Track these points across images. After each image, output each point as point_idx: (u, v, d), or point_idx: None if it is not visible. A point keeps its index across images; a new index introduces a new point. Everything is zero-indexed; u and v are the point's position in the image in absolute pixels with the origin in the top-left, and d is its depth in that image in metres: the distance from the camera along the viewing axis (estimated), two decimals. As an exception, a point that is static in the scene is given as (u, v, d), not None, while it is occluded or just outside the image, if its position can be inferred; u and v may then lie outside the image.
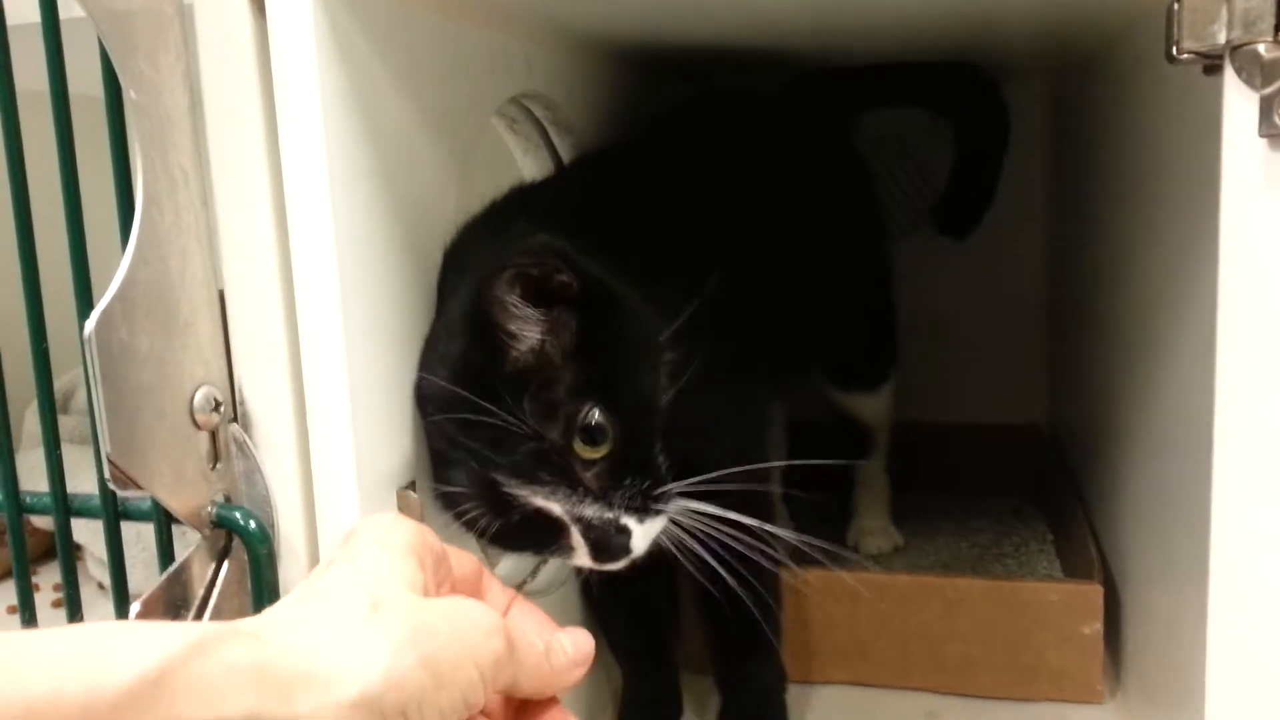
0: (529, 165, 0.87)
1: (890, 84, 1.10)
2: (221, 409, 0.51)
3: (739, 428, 0.71)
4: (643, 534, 0.55)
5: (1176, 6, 0.43)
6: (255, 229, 0.52)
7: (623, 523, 0.54)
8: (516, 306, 0.53)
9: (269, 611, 0.41)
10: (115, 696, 0.32)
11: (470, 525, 0.56)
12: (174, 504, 0.50)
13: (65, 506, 0.55)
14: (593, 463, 0.53)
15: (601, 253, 0.56)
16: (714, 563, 0.57)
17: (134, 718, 0.33)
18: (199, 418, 0.50)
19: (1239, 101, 0.42)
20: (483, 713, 0.45)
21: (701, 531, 0.56)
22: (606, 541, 0.54)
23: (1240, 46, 0.41)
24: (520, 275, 0.52)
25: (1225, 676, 0.46)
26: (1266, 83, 0.40)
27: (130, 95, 0.48)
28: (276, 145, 0.52)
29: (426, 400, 0.57)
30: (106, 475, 0.46)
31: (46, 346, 0.54)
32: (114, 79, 0.49)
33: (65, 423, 0.98)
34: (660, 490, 0.55)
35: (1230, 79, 0.42)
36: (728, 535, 0.56)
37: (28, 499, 0.57)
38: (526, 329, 0.53)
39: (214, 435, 0.51)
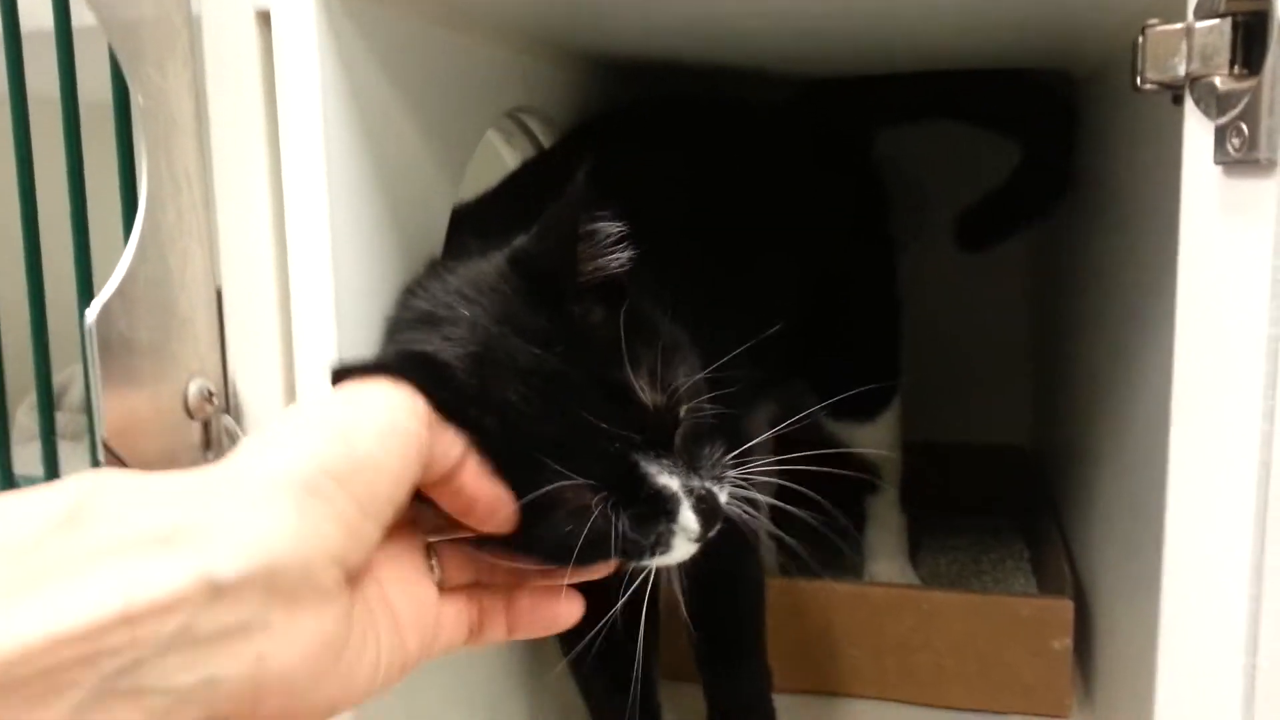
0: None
1: (942, 96, 1.01)
2: (214, 400, 0.53)
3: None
4: (723, 502, 0.49)
5: (1141, 40, 0.45)
6: (254, 231, 0.54)
7: (714, 490, 0.48)
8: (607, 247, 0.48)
9: None
10: (28, 538, 0.32)
11: (565, 546, 0.46)
12: (167, 492, 0.51)
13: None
14: (680, 426, 0.48)
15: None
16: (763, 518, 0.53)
17: (53, 551, 0.32)
18: (192, 407, 0.52)
19: (1197, 130, 0.44)
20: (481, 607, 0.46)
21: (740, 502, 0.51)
22: (714, 511, 0.48)
23: (1198, 78, 0.43)
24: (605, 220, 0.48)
25: (1174, 692, 0.48)
26: (1222, 113, 0.42)
27: (138, 100, 0.50)
28: (278, 151, 0.54)
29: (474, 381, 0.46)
30: (100, 459, 0.48)
31: (46, 338, 0.55)
32: (122, 84, 0.51)
33: (58, 419, 0.99)
34: (723, 457, 0.50)
35: (1190, 109, 0.44)
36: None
37: (21, 483, 0.58)
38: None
39: (206, 425, 0.53)
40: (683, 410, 0.48)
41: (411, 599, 0.44)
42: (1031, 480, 1.22)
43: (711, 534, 0.48)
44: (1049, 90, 1.00)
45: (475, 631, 0.47)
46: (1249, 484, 0.42)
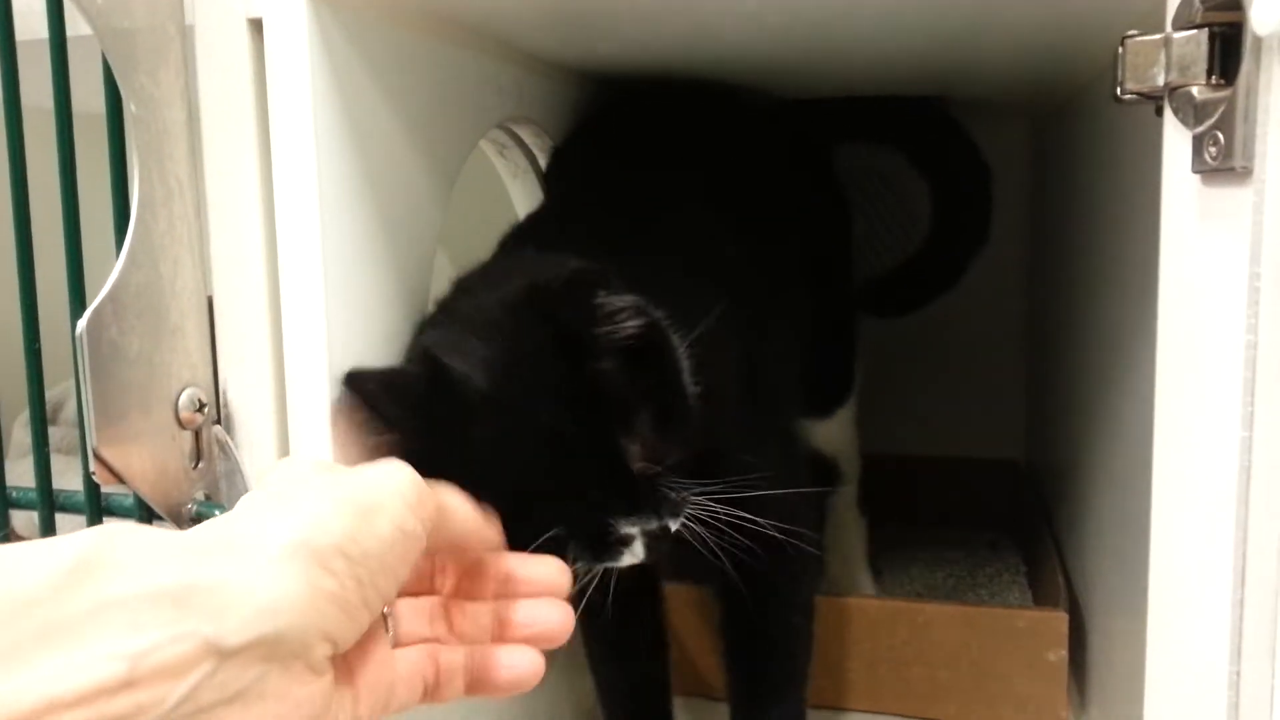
0: (517, 190, 0.89)
1: (856, 118, 1.08)
2: (205, 410, 0.54)
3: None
4: (674, 529, 0.55)
5: (1121, 50, 0.46)
6: (246, 239, 0.55)
7: (667, 525, 0.55)
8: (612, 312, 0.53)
9: None
10: (36, 590, 0.32)
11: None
12: (156, 499, 0.51)
13: (50, 501, 0.57)
14: (649, 469, 0.54)
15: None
16: (726, 560, 0.57)
17: (61, 604, 0.32)
18: (183, 417, 0.52)
19: (1176, 139, 0.44)
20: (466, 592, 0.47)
21: (718, 531, 0.56)
22: (664, 538, 0.55)
23: (1177, 88, 0.44)
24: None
25: (1161, 700, 0.48)
26: (1199, 122, 0.42)
27: (130, 108, 0.51)
28: (269, 159, 0.54)
29: (459, 402, 0.52)
30: (91, 469, 0.48)
31: (39, 346, 0.56)
32: (116, 92, 0.51)
33: (53, 434, 0.99)
34: (685, 491, 0.56)
35: (1169, 118, 0.45)
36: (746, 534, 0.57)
37: (14, 494, 0.58)
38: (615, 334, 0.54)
39: (197, 435, 0.53)
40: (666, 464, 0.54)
41: (367, 658, 0.43)
42: (1026, 494, 1.22)
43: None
44: (949, 116, 1.06)
45: (431, 690, 0.46)
46: (1230, 490, 0.42)
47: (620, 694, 0.78)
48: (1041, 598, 1.02)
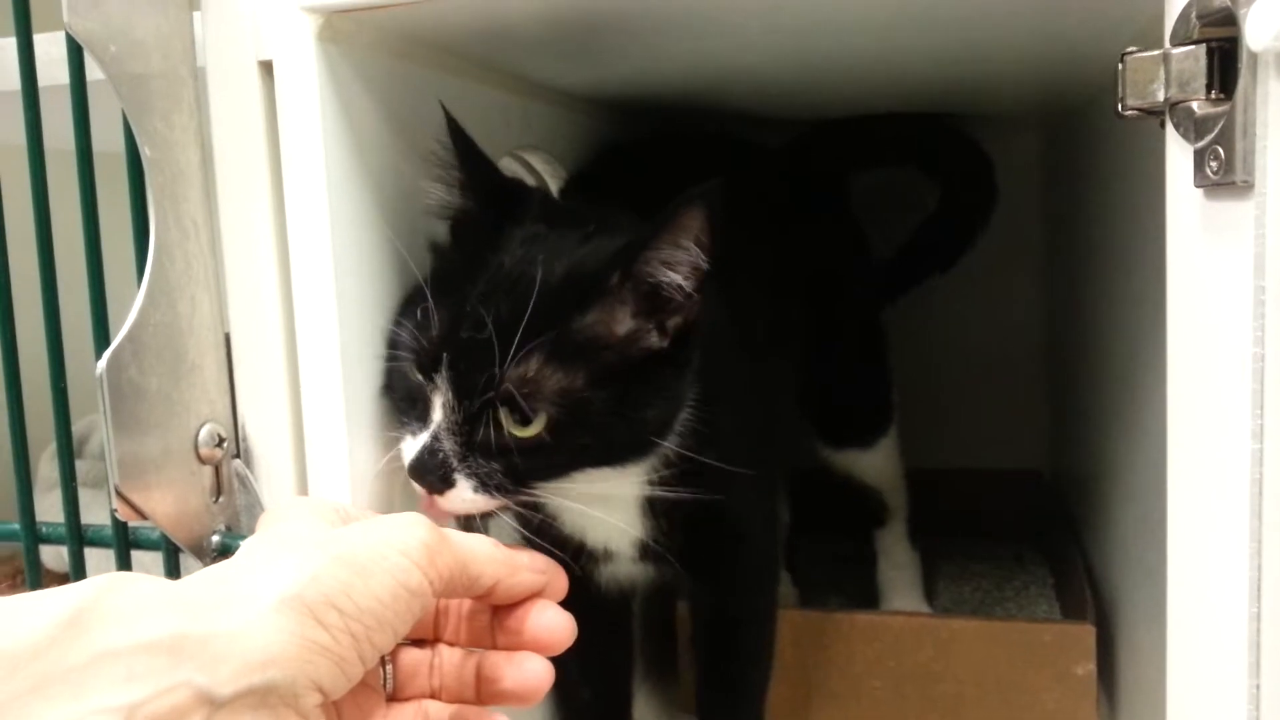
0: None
1: (869, 141, 1.06)
2: (225, 445, 0.54)
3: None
4: (464, 498, 0.53)
5: (1121, 67, 0.46)
6: (261, 276, 0.56)
7: (454, 474, 0.52)
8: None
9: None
10: (33, 643, 0.32)
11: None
12: (178, 535, 0.52)
13: (79, 535, 0.58)
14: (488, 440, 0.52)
15: None
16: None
17: (58, 656, 0.33)
18: (203, 453, 0.53)
19: (1178, 154, 0.44)
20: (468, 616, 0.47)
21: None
22: (425, 465, 0.53)
23: (1177, 103, 0.44)
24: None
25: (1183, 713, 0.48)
26: (1200, 137, 0.42)
27: (145, 152, 0.52)
28: (281, 197, 0.55)
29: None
30: (114, 506, 0.49)
31: (65, 385, 0.57)
32: (133, 137, 0.53)
33: (79, 467, 1.01)
34: (518, 485, 0.53)
35: (1170, 133, 0.45)
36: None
37: (44, 529, 0.60)
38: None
39: (217, 469, 0.54)
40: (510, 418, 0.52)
41: (361, 708, 0.44)
42: (1051, 504, 1.21)
43: (435, 487, 0.53)
44: (958, 130, 1.06)
45: None
46: (1243, 504, 0.42)
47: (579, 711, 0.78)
48: (1069, 610, 1.01)
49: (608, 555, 0.67)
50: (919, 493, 1.16)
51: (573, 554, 0.64)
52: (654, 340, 0.54)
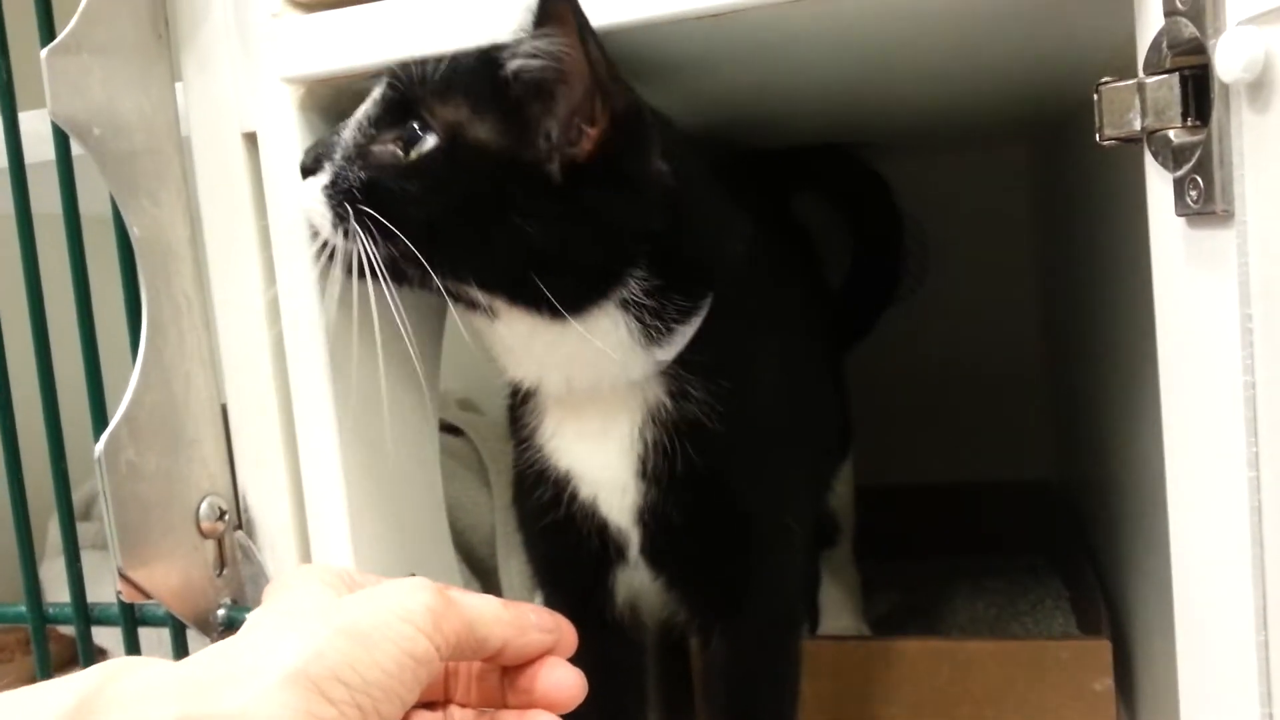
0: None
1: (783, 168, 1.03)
2: (226, 517, 0.55)
3: None
4: (313, 194, 0.52)
5: (1096, 97, 0.46)
6: (254, 346, 0.56)
7: (325, 160, 0.52)
8: None
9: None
10: None
11: None
12: (183, 611, 0.52)
13: (86, 616, 0.58)
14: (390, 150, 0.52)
15: None
16: None
17: None
18: (205, 527, 0.53)
19: (1158, 183, 0.44)
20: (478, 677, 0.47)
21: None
22: (317, 143, 0.53)
23: (1155, 132, 0.44)
24: None
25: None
26: (1179, 165, 0.42)
27: (134, 232, 0.52)
28: (271, 266, 0.55)
29: None
30: (118, 588, 0.49)
31: (65, 467, 0.57)
32: (121, 217, 0.53)
33: (87, 529, 1.00)
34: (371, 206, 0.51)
35: (1149, 162, 0.45)
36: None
37: (50, 610, 0.60)
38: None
39: (220, 542, 0.54)
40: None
41: None
42: (1061, 515, 1.20)
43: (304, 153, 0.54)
44: (855, 156, 1.03)
45: None
46: (1244, 532, 0.41)
47: None
48: (1086, 623, 1.00)
49: (605, 538, 0.62)
50: (929, 510, 1.15)
51: (565, 515, 0.61)
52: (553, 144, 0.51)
